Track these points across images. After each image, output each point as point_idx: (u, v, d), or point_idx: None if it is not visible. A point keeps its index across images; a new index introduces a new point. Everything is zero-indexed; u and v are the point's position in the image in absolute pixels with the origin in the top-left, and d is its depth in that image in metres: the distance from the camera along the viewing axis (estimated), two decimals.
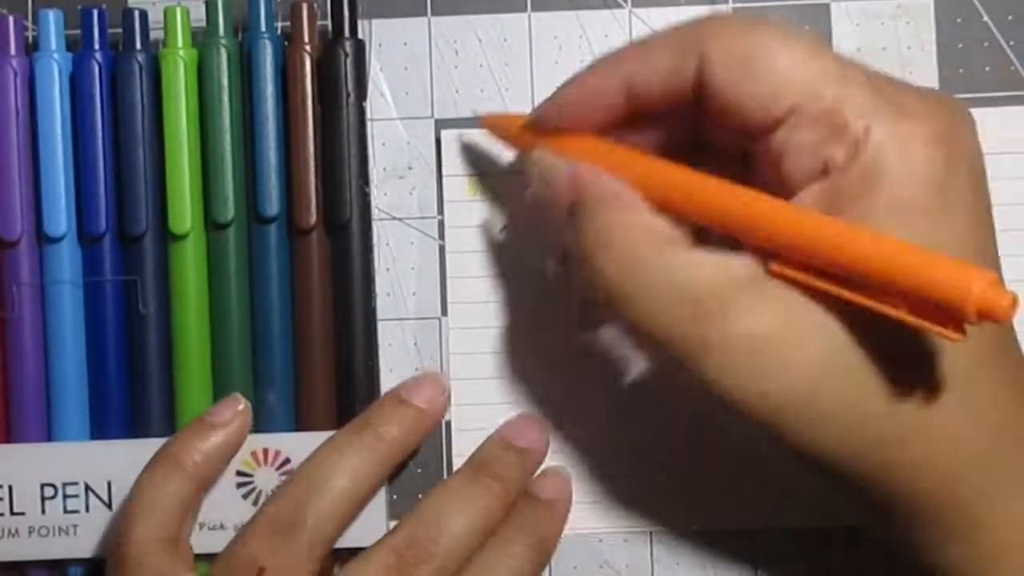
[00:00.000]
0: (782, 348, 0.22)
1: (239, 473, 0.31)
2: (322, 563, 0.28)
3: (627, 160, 0.25)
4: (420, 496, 0.32)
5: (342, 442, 0.30)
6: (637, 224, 0.24)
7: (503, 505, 0.30)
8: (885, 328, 0.21)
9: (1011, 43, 0.32)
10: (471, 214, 0.32)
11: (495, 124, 0.30)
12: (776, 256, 0.22)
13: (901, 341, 0.22)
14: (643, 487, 0.32)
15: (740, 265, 0.23)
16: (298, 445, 0.31)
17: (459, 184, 0.32)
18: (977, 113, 0.31)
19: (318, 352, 0.31)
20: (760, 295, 0.22)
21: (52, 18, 0.31)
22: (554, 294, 0.32)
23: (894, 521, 0.23)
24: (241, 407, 0.30)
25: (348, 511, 0.29)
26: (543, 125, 0.27)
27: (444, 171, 0.32)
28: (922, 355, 0.22)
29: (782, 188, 0.23)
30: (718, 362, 0.22)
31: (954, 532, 0.23)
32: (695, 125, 0.25)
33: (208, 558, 0.31)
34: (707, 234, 0.24)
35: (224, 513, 0.31)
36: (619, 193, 0.24)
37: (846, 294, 0.21)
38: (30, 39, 0.32)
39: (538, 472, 0.31)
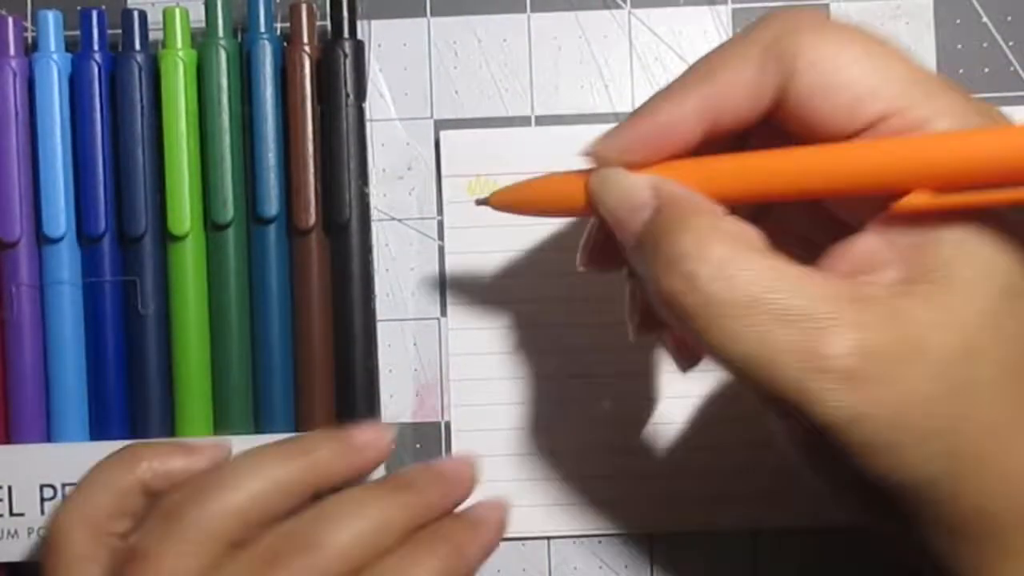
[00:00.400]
0: (898, 364, 0.20)
1: None
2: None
3: (695, 168, 0.23)
4: None
5: (267, 449, 0.28)
6: (720, 232, 0.21)
7: (410, 521, 0.27)
8: (1004, 329, 0.20)
9: (1010, 44, 0.32)
10: (471, 214, 0.32)
11: (511, 199, 0.27)
12: (899, 192, 0.21)
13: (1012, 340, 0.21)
14: (642, 488, 0.32)
15: (838, 277, 0.21)
16: None
17: (459, 184, 0.32)
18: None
19: (317, 352, 0.31)
20: (870, 309, 0.20)
21: (51, 19, 0.31)
22: (554, 294, 0.32)
23: (936, 537, 0.22)
24: (222, 452, 0.29)
25: (255, 516, 0.27)
26: (610, 162, 0.24)
27: (444, 171, 0.32)
28: None
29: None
30: (833, 386, 0.20)
31: (1014, 553, 0.21)
32: (762, 139, 0.23)
33: None
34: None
35: None
36: (693, 200, 0.22)
37: (1000, 195, 0.20)
38: (29, 40, 0.32)
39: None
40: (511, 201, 0.26)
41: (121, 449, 0.29)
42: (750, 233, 0.22)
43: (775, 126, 0.22)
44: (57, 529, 0.27)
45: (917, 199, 0.20)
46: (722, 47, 0.23)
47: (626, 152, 0.23)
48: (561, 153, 0.32)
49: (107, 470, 0.28)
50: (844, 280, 0.21)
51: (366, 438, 0.29)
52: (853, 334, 0.20)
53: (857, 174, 0.21)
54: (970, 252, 0.20)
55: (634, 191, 0.23)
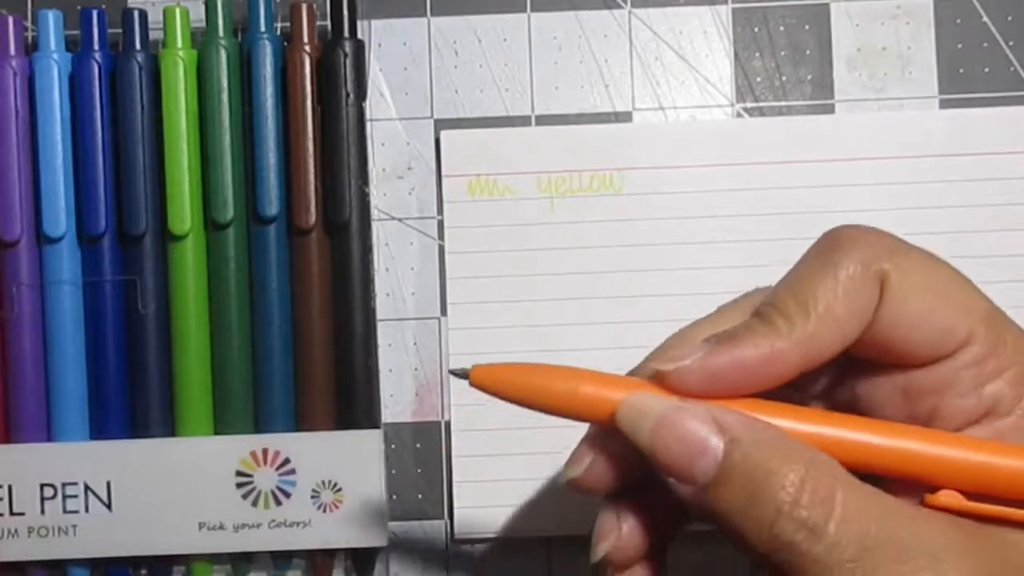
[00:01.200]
0: None
1: (239, 473, 0.31)
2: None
3: (766, 408, 0.20)
4: (420, 496, 0.32)
5: None
6: (836, 472, 0.19)
7: None
8: None
9: (1010, 44, 0.32)
10: (471, 214, 0.32)
11: (501, 382, 0.23)
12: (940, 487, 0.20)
13: None
14: None
15: (941, 522, 0.20)
16: (298, 445, 0.31)
17: (459, 184, 0.32)
18: (977, 113, 0.32)
19: (317, 352, 0.31)
20: (965, 557, 0.19)
21: (51, 18, 0.31)
22: (554, 294, 0.32)
23: None
24: None
25: None
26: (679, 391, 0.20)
27: (444, 171, 0.32)
28: None
29: (938, 426, 0.21)
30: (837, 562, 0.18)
31: None
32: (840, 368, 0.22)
33: (209, 558, 0.31)
34: None
35: (224, 513, 0.31)
36: (783, 438, 0.20)
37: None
38: (30, 39, 0.32)
39: None
40: (499, 383, 0.23)
41: None
42: (837, 467, 0.20)
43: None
44: None
45: (947, 499, 0.20)
46: (802, 272, 0.21)
47: (710, 385, 0.20)
48: (561, 153, 0.32)
49: None
50: (944, 516, 0.20)
51: None
52: (977, 568, 0.19)
53: (892, 460, 0.20)
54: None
55: (700, 432, 0.20)
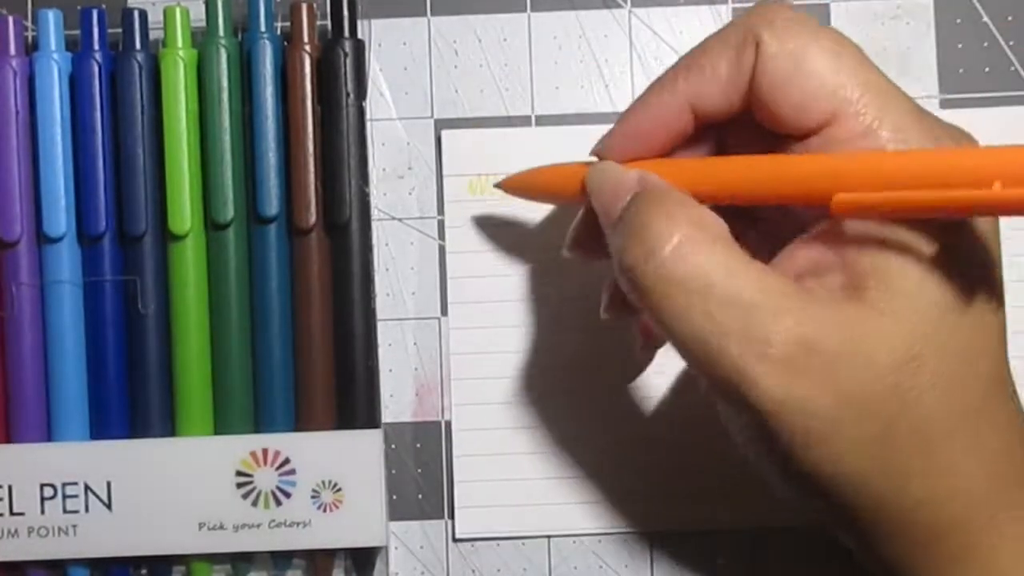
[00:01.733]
0: (837, 360, 0.21)
1: (239, 473, 0.31)
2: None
3: (677, 167, 0.25)
4: (420, 496, 0.32)
5: None
6: (687, 217, 0.22)
7: None
8: (942, 340, 0.21)
9: (1011, 43, 0.32)
10: (471, 214, 0.32)
11: (520, 183, 0.29)
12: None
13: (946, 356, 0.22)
14: (642, 487, 0.32)
15: (789, 279, 0.22)
16: (298, 445, 0.31)
17: (460, 183, 0.32)
18: (976, 114, 0.32)
19: (318, 352, 0.31)
20: (814, 306, 0.21)
21: (52, 18, 0.31)
22: (554, 294, 0.32)
23: (885, 541, 0.23)
24: None
25: None
26: (609, 157, 0.26)
27: (445, 170, 0.32)
28: (954, 384, 0.22)
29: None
30: (769, 371, 0.21)
31: (960, 556, 0.22)
32: (740, 137, 0.25)
33: (208, 558, 0.31)
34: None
35: (224, 513, 0.31)
36: (669, 189, 0.24)
37: (936, 196, 0.20)
38: (30, 39, 0.32)
39: None
40: (520, 185, 0.29)
41: None
42: (716, 223, 0.23)
43: (755, 124, 0.24)
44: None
45: (847, 197, 0.21)
46: (705, 39, 0.24)
47: (622, 148, 0.25)
48: (561, 152, 0.32)
49: None
50: (792, 280, 0.22)
51: None
52: (795, 326, 0.21)
53: (782, 183, 0.23)
54: (908, 265, 0.21)
55: (622, 179, 0.25)
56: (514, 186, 0.29)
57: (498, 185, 0.30)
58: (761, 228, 0.26)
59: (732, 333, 0.21)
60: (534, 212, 0.32)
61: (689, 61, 0.24)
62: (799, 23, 0.23)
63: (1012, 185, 0.19)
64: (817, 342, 0.21)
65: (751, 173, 0.23)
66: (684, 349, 0.22)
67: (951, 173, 0.20)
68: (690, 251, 0.22)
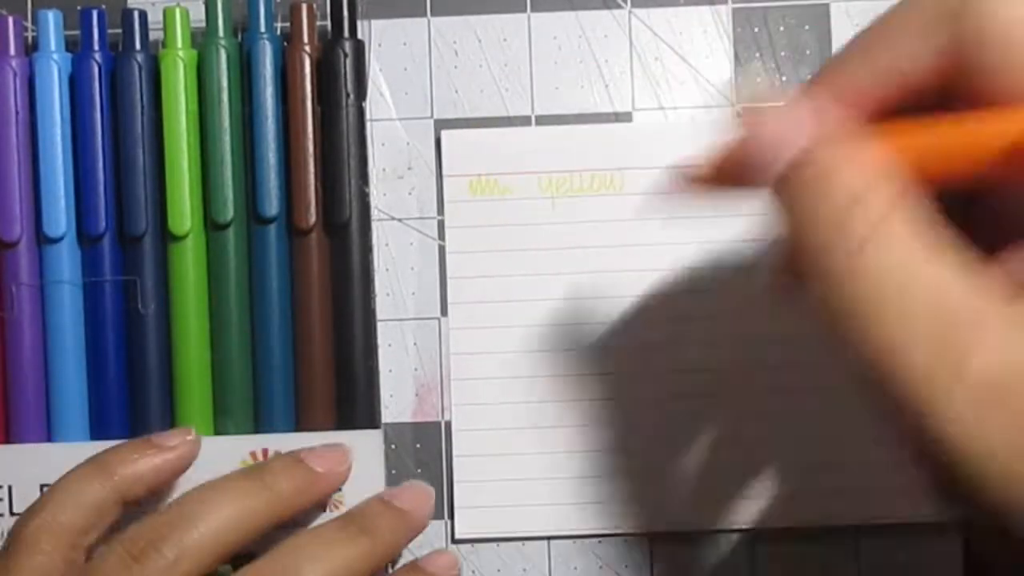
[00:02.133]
0: None
1: None
2: None
3: (905, 133, 0.20)
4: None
5: (227, 483, 0.29)
6: (909, 210, 0.18)
7: (369, 562, 0.28)
8: None
9: None
10: (472, 214, 0.32)
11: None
12: None
13: None
14: (642, 489, 0.32)
15: (1009, 291, 0.18)
16: (298, 445, 0.31)
17: (460, 184, 0.32)
18: None
19: (317, 352, 0.31)
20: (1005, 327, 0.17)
21: (51, 18, 0.31)
22: (554, 294, 0.32)
23: None
24: (191, 437, 0.30)
25: (215, 551, 0.27)
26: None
27: (445, 171, 0.32)
28: None
29: None
30: (961, 395, 0.17)
31: None
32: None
33: None
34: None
35: None
36: (886, 164, 0.19)
37: None
38: (30, 39, 0.32)
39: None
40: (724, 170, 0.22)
41: (91, 459, 0.29)
42: (936, 219, 0.19)
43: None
44: (24, 538, 0.27)
45: None
46: (896, 9, 0.20)
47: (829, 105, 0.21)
48: (562, 153, 0.32)
49: (80, 482, 0.28)
50: (1013, 292, 0.18)
51: (327, 465, 0.30)
52: (1005, 349, 0.17)
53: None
54: None
55: (830, 143, 0.20)
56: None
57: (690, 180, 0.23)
58: (990, 217, 0.21)
59: (929, 341, 0.17)
60: (535, 212, 0.32)
61: (881, 37, 0.20)
62: None
63: None
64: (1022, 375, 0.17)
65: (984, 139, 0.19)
66: (863, 353, 0.18)
67: None
68: (897, 242, 0.18)
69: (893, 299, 0.18)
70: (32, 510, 0.28)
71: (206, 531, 0.27)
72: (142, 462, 0.29)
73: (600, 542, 0.32)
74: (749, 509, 0.31)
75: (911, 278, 0.18)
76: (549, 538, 0.32)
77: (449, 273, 0.32)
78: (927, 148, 0.19)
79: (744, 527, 0.32)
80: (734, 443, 0.31)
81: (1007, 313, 0.18)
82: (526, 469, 0.32)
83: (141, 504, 0.29)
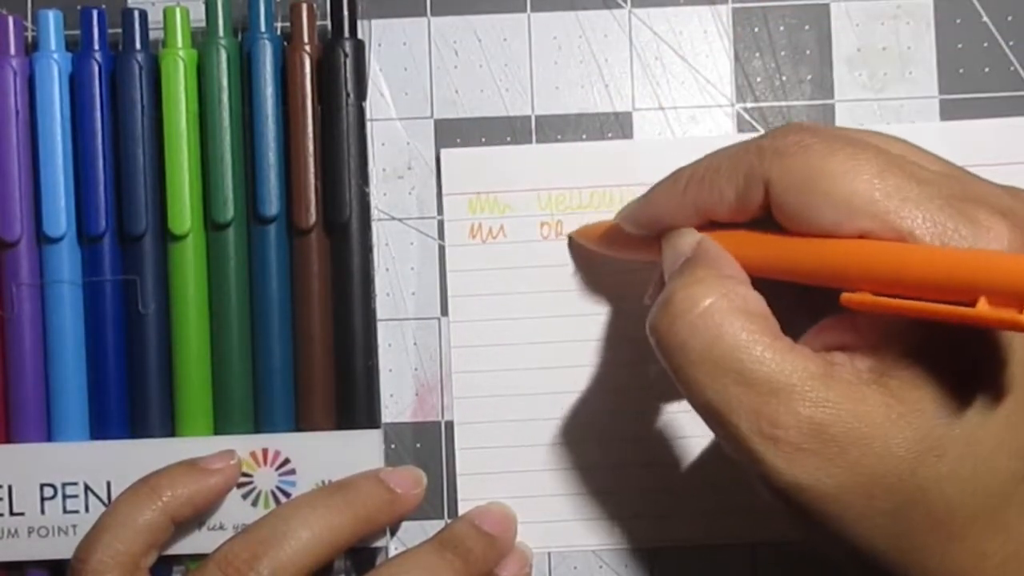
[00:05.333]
0: (850, 446, 0.21)
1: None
2: None
3: (740, 240, 0.25)
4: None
5: (313, 499, 0.30)
6: (720, 287, 0.23)
7: None
8: (960, 432, 0.21)
9: (1010, 44, 0.32)
10: (471, 236, 0.32)
11: (586, 234, 0.31)
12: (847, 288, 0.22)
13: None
14: (644, 503, 0.32)
15: (814, 357, 0.22)
16: (298, 445, 0.31)
17: (460, 202, 0.32)
18: (979, 124, 0.32)
19: (317, 352, 0.31)
20: (833, 388, 0.21)
21: (52, 18, 0.31)
22: (555, 293, 0.32)
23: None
24: (234, 461, 0.30)
25: (307, 567, 0.28)
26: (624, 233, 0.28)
27: (445, 189, 0.32)
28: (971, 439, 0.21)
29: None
30: (778, 453, 0.21)
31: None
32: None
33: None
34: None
35: (223, 513, 0.31)
36: (718, 258, 0.24)
37: (926, 306, 0.20)
38: (30, 39, 0.32)
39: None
40: (590, 236, 0.31)
41: (140, 482, 0.30)
42: (751, 297, 0.23)
43: None
44: (90, 570, 0.28)
45: (861, 297, 0.21)
46: (718, 153, 0.25)
47: (638, 226, 0.27)
48: (562, 170, 0.32)
49: (132, 507, 0.29)
50: (818, 357, 0.22)
51: (404, 487, 0.31)
52: (809, 409, 0.21)
53: (813, 267, 0.23)
54: (936, 360, 0.21)
55: (682, 243, 0.25)
56: (585, 236, 0.31)
57: (572, 235, 0.31)
58: (813, 294, 0.25)
59: (744, 410, 0.21)
60: (535, 229, 0.32)
61: (700, 173, 0.25)
62: (807, 147, 0.22)
63: (997, 297, 0.19)
64: (829, 426, 0.21)
65: (788, 254, 0.23)
66: (700, 414, 0.23)
67: (948, 278, 0.20)
68: (714, 321, 0.22)
69: (715, 374, 0.22)
70: (90, 539, 0.28)
71: (299, 547, 0.28)
72: (190, 484, 0.29)
73: (599, 557, 0.32)
74: (750, 522, 0.31)
75: (730, 358, 0.22)
76: (550, 552, 0.32)
77: (449, 273, 0.32)
78: (752, 256, 0.24)
79: (744, 540, 0.31)
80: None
81: (813, 373, 0.21)
82: (527, 486, 0.32)
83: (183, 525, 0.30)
